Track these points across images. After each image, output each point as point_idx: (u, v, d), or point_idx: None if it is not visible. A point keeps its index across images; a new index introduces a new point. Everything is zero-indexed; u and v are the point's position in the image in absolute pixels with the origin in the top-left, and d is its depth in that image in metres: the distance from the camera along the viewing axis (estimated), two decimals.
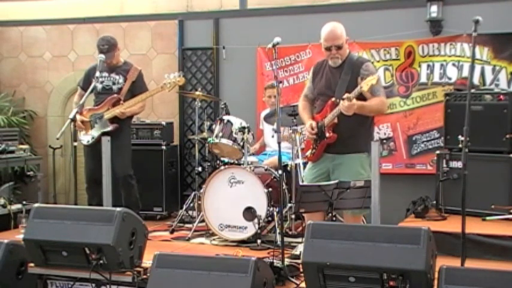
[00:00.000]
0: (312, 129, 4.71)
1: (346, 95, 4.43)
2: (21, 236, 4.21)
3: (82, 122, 5.74)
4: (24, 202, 6.34)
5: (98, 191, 5.80)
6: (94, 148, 5.70)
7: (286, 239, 4.92)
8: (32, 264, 4.14)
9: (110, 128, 5.72)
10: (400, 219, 5.62)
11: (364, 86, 4.36)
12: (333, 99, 4.63)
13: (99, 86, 5.79)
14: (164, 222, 6.70)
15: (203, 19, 7.38)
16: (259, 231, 5.36)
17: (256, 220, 5.35)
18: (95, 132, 5.79)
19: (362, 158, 4.62)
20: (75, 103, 5.86)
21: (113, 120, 5.76)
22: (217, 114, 6.85)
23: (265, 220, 5.48)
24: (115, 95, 5.78)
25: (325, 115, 4.66)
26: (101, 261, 3.90)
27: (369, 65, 4.71)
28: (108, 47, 5.72)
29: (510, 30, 6.06)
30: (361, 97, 4.50)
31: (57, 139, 5.58)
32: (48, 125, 8.15)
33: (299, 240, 5.26)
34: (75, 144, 5.34)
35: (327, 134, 4.64)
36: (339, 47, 4.65)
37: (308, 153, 4.87)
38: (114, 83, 5.82)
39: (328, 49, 4.67)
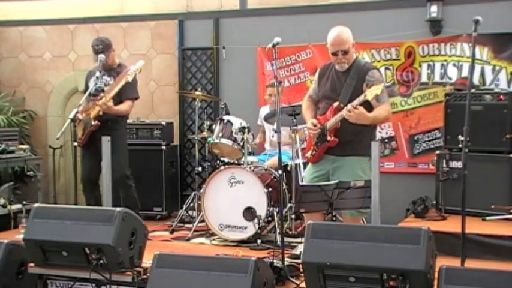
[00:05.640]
0: (314, 125, 4.69)
1: (350, 105, 4.40)
2: (21, 236, 4.21)
3: (79, 120, 5.72)
4: (24, 202, 6.34)
5: (94, 192, 5.82)
6: (87, 149, 5.70)
7: (286, 239, 4.92)
8: (32, 264, 4.14)
9: (93, 127, 5.59)
10: (400, 219, 5.62)
11: (369, 95, 4.33)
12: (336, 103, 4.62)
13: (93, 88, 5.72)
14: (164, 222, 6.70)
15: (203, 19, 7.38)
16: (259, 231, 5.36)
17: (256, 220, 5.36)
18: (83, 132, 5.74)
19: (363, 162, 4.58)
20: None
21: (96, 118, 5.59)
22: (217, 114, 6.85)
23: (265, 220, 5.48)
24: (101, 94, 5.65)
25: (328, 118, 4.65)
26: (101, 261, 3.90)
27: (375, 72, 4.66)
28: (102, 47, 5.67)
29: (510, 30, 6.06)
30: (365, 103, 4.48)
31: (57, 139, 5.57)
32: (48, 125, 8.15)
33: (299, 240, 5.26)
34: (75, 144, 5.33)
35: (329, 138, 4.63)
36: (346, 52, 4.60)
37: (308, 154, 4.86)
38: (105, 85, 5.73)
39: (334, 54, 4.63)
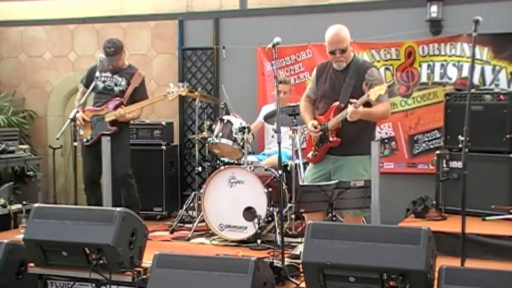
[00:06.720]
0: (315, 128, 4.68)
1: (353, 101, 4.40)
2: (21, 236, 4.21)
3: (84, 120, 5.75)
4: (24, 202, 6.34)
5: (96, 191, 5.83)
6: (92, 148, 5.72)
7: (286, 239, 4.92)
8: (32, 264, 4.14)
9: (109, 131, 5.69)
10: (400, 219, 5.62)
11: (372, 95, 4.33)
12: (337, 103, 4.61)
13: (101, 86, 5.79)
14: (164, 222, 6.70)
15: (203, 19, 7.38)
16: (259, 231, 5.36)
17: (256, 220, 5.36)
18: (94, 134, 5.78)
19: (364, 160, 4.59)
20: (77, 100, 5.83)
21: (113, 123, 5.75)
22: (217, 114, 6.85)
23: (265, 220, 5.48)
24: (118, 98, 5.77)
25: (329, 118, 4.65)
26: (101, 261, 3.91)
27: (374, 70, 4.66)
28: (114, 49, 5.73)
29: (510, 30, 6.06)
30: (365, 103, 4.47)
31: (57, 139, 5.58)
32: (48, 125, 8.14)
33: (299, 240, 5.26)
34: (75, 144, 5.32)
35: (331, 139, 4.63)
36: (343, 51, 4.60)
37: (309, 155, 4.85)
38: (116, 85, 5.81)
39: (332, 53, 4.63)
